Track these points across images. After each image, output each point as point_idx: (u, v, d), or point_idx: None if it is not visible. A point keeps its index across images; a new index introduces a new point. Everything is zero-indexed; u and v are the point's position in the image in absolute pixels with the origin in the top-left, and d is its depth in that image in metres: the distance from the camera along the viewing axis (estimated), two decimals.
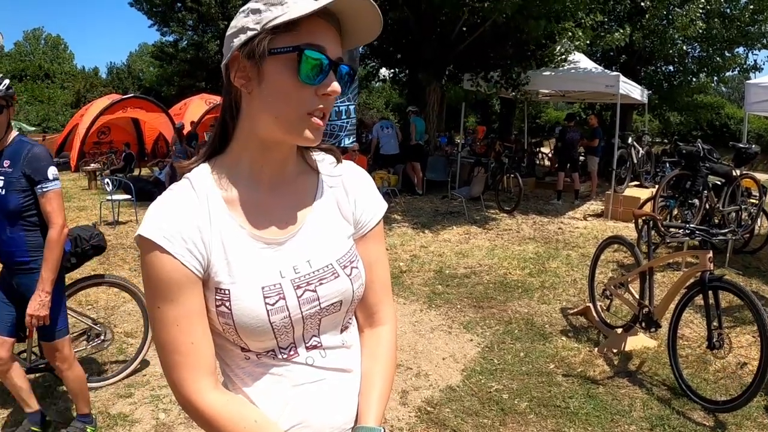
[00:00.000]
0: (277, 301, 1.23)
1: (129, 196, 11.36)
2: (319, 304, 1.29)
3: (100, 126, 20.13)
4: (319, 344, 1.33)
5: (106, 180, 11.60)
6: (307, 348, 1.31)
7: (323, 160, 1.44)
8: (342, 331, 1.39)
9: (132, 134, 21.84)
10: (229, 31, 1.24)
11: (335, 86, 1.20)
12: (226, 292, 1.21)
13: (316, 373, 1.31)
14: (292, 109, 1.19)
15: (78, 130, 19.85)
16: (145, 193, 12.24)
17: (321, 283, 1.29)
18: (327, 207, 1.38)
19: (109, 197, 11.12)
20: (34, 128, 28.43)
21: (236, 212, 1.27)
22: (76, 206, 12.94)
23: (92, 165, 17.04)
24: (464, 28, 13.63)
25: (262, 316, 1.21)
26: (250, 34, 1.18)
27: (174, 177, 12.92)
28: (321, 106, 1.21)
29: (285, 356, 1.29)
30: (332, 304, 1.31)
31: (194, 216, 1.21)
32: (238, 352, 1.29)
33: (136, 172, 17.47)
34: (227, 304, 1.21)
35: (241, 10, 1.23)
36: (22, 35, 55.17)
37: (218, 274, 1.22)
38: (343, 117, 7.83)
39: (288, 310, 1.24)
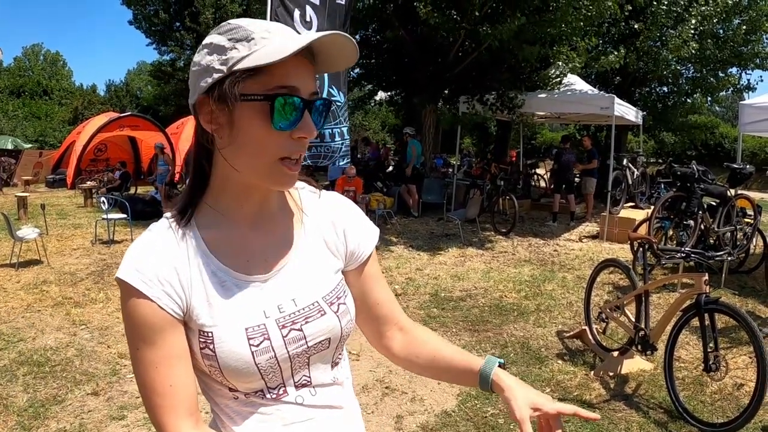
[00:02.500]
0: (261, 342, 1.20)
1: (124, 216, 11.38)
2: (306, 343, 1.25)
3: (97, 143, 20.20)
4: (309, 382, 1.30)
5: (102, 199, 11.62)
6: (296, 387, 1.28)
7: (304, 188, 1.40)
8: (333, 367, 1.35)
9: (129, 152, 21.90)
10: (193, 67, 1.17)
11: (310, 128, 1.15)
12: (209, 334, 1.18)
13: (306, 413, 1.28)
14: (266, 157, 1.15)
15: (75, 147, 19.93)
16: (141, 212, 12.41)
17: (307, 322, 1.25)
18: (312, 242, 1.34)
19: (104, 216, 11.12)
20: (30, 144, 28.48)
21: (217, 252, 1.23)
22: (71, 224, 12.96)
23: (88, 183, 17.08)
24: (460, 52, 13.72)
25: (247, 357, 1.18)
26: (216, 76, 1.11)
27: (170, 196, 12.96)
28: (297, 148, 1.16)
29: (274, 396, 1.25)
30: (320, 342, 1.28)
31: (172, 257, 1.19)
32: (226, 392, 1.26)
33: (132, 191, 17.46)
34: (211, 346, 1.18)
35: (203, 43, 1.17)
36: (21, 51, 55.18)
37: (200, 316, 1.19)
38: (336, 138, 7.86)
39: (273, 350, 1.21)
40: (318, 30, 7.46)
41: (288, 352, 1.23)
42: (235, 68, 1.10)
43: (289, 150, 1.15)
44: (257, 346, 1.19)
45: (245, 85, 1.10)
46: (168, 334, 1.17)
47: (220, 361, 1.18)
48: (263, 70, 1.09)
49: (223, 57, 1.11)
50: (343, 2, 7.79)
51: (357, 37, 7.96)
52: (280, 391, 1.26)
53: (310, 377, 1.30)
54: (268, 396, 1.25)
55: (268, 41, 1.10)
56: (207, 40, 1.16)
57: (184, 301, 1.18)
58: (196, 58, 1.17)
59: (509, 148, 22.55)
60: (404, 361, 1.49)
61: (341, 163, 8.32)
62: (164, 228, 1.23)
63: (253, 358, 1.19)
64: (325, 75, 7.67)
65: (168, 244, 1.20)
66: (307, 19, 7.42)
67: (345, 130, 8.09)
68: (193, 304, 1.19)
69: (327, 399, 1.32)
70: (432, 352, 1.44)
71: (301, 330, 1.25)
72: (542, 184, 20.11)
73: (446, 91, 15.33)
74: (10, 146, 25.14)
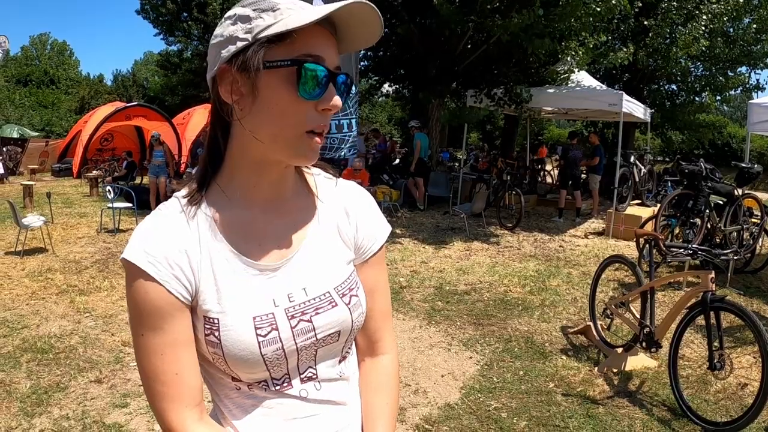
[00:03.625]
0: (269, 332, 1.16)
1: (130, 205, 11.40)
2: (315, 335, 1.21)
3: (104, 133, 20.19)
4: (315, 376, 1.25)
5: (108, 188, 11.64)
6: (301, 380, 1.24)
7: (320, 175, 1.36)
8: (340, 361, 1.31)
9: (135, 142, 21.90)
10: (213, 40, 1.14)
11: (336, 100, 1.11)
12: (215, 321, 1.14)
13: (310, 408, 1.25)
14: (291, 128, 1.10)
15: (81, 137, 19.95)
16: (146, 202, 12.61)
17: (317, 313, 1.21)
18: (325, 230, 1.29)
19: (110, 205, 11.16)
20: (37, 133, 28.53)
21: (228, 236, 1.19)
22: (77, 212, 12.99)
23: (94, 172, 17.10)
24: (469, 44, 13.67)
25: (253, 348, 1.14)
26: (240, 45, 1.08)
27: (170, 193, 12.96)
28: (323, 121, 1.13)
29: (277, 387, 1.22)
30: (329, 335, 1.23)
31: (182, 240, 1.15)
32: (228, 382, 1.22)
33: (137, 180, 17.48)
34: (216, 334, 1.14)
35: (226, 15, 1.13)
36: (28, 40, 55.24)
37: (207, 302, 1.15)
38: (345, 130, 7.82)
39: (281, 341, 1.17)
40: None
41: (296, 343, 1.19)
42: (261, 35, 1.07)
43: (314, 122, 1.11)
44: (264, 336, 1.15)
45: (270, 52, 1.07)
46: (175, 319, 1.13)
47: (225, 349, 1.14)
48: (289, 39, 1.06)
49: (248, 26, 1.08)
50: None
51: None
52: (284, 384, 1.22)
53: (316, 371, 1.26)
54: (271, 388, 1.22)
55: (293, 11, 1.07)
56: (230, 12, 1.13)
57: (192, 285, 1.15)
58: (218, 30, 1.14)
59: (541, 146, 22.55)
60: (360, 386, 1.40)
61: (348, 154, 8.29)
62: (175, 209, 1.19)
63: (260, 349, 1.15)
64: None
65: (179, 226, 1.16)
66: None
67: (354, 121, 8.06)
68: (201, 289, 1.15)
69: (331, 394, 1.28)
70: (368, 402, 1.37)
71: (310, 321, 1.20)
72: (549, 179, 20.09)
73: (454, 85, 15.29)
74: (16, 135, 25.17)
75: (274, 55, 1.07)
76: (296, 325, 1.19)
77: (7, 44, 24.02)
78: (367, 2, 1.06)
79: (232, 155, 1.19)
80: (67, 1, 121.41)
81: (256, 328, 1.15)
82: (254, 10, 1.08)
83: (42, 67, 48.63)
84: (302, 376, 1.24)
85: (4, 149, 21.01)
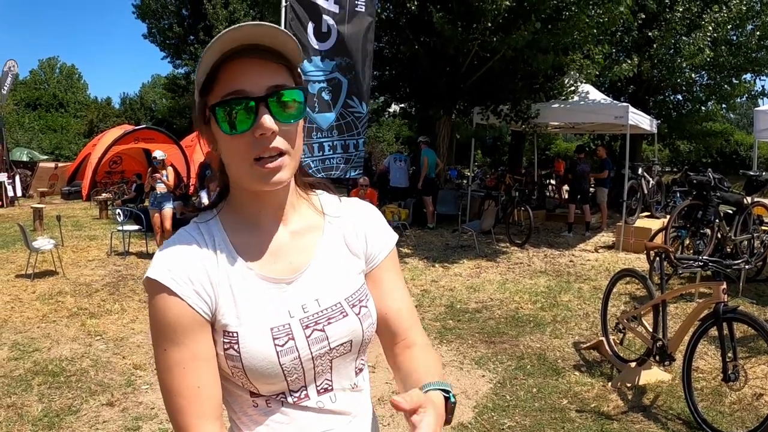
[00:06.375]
0: (286, 342, 1.21)
1: (140, 227, 11.44)
2: (329, 344, 1.26)
3: (113, 156, 20.33)
4: (330, 387, 1.30)
5: (118, 210, 11.69)
6: (318, 391, 1.28)
7: (323, 194, 1.43)
8: (356, 373, 1.36)
9: (143, 165, 21.94)
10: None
11: (265, 123, 1.13)
12: (234, 334, 1.19)
13: (325, 422, 1.28)
14: (241, 161, 1.18)
15: (90, 160, 20.09)
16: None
17: (329, 323, 1.27)
18: (334, 245, 1.36)
19: (119, 227, 11.19)
20: (46, 156, 28.72)
21: (243, 254, 1.26)
22: (86, 235, 13.05)
23: (104, 194, 17.20)
24: (475, 61, 13.69)
25: (272, 357, 1.19)
26: (197, 103, 1.21)
27: (185, 204, 12.92)
28: (265, 146, 1.16)
29: (295, 399, 1.26)
30: (342, 344, 1.28)
31: (202, 258, 1.21)
32: (246, 398, 1.26)
33: (146, 203, 17.53)
34: (236, 347, 1.19)
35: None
36: (37, 64, 55.69)
37: (226, 316, 1.20)
38: (351, 150, 7.81)
39: (297, 350, 1.22)
40: (336, 41, 7.51)
41: (311, 352, 1.24)
42: (199, 89, 1.20)
43: (257, 150, 1.16)
44: (282, 346, 1.20)
45: (209, 100, 1.19)
46: (197, 334, 1.18)
47: (245, 361, 1.18)
48: (213, 84, 1.17)
49: (198, 86, 1.21)
50: (363, 9, 7.74)
51: (369, 49, 7.90)
52: (302, 395, 1.26)
53: (331, 381, 1.30)
54: (288, 400, 1.25)
55: (204, 56, 1.14)
56: None
57: (212, 300, 1.20)
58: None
59: (556, 159, 22.50)
60: (399, 378, 1.41)
61: (353, 174, 8.28)
62: (193, 231, 1.27)
63: (278, 359, 1.19)
64: (344, 86, 7.66)
65: (197, 246, 1.23)
66: (324, 29, 7.40)
67: (361, 141, 8.06)
68: (220, 304, 1.20)
69: (347, 405, 1.32)
70: (410, 369, 1.36)
71: (323, 330, 1.26)
72: (557, 194, 20.05)
73: (459, 102, 15.30)
74: (25, 158, 25.36)
75: (211, 101, 1.18)
76: (311, 335, 1.24)
77: (17, 68, 24.25)
78: (249, 23, 1.11)
79: (232, 185, 1.30)
80: (76, 26, 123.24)
81: (274, 339, 1.20)
82: (196, 68, 1.21)
83: (51, 90, 49.06)
84: (318, 387, 1.28)
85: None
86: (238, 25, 1.11)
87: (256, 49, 1.16)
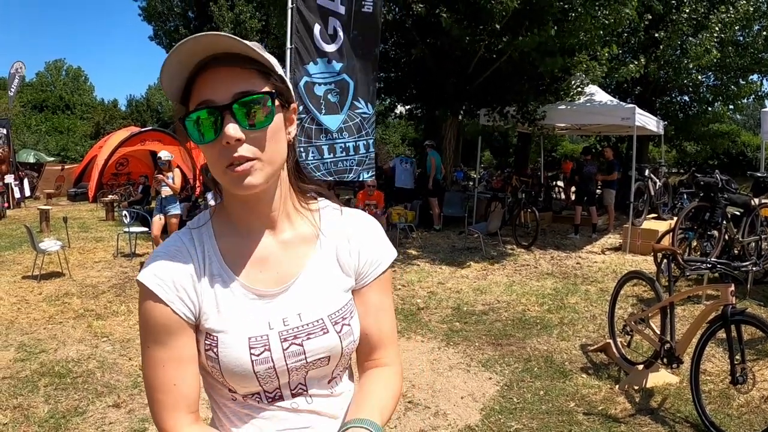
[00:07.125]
0: (261, 352, 1.25)
1: (146, 229, 11.50)
2: (306, 358, 1.29)
3: (119, 158, 20.39)
4: (305, 391, 1.34)
5: (124, 212, 11.73)
6: (292, 394, 1.32)
7: (326, 207, 1.43)
8: (330, 381, 1.38)
9: (150, 166, 22.02)
10: None
11: (230, 132, 1.14)
12: (215, 338, 1.25)
13: (302, 419, 1.32)
14: (215, 168, 1.20)
15: (97, 161, 20.17)
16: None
17: (309, 338, 1.29)
18: (325, 260, 1.37)
19: (126, 229, 11.24)
20: (53, 158, 28.81)
21: (232, 263, 1.30)
22: (93, 237, 13.09)
23: (110, 196, 17.24)
24: (481, 64, 13.67)
25: (247, 365, 1.24)
26: (176, 113, 1.24)
27: (193, 209, 12.93)
28: (233, 154, 1.16)
29: (269, 400, 1.31)
30: (319, 359, 1.31)
31: (189, 265, 1.27)
32: (225, 392, 1.32)
33: (153, 204, 17.59)
34: (215, 350, 1.25)
35: None
36: (44, 66, 55.77)
37: (209, 321, 1.26)
38: (362, 151, 7.80)
39: (273, 361, 1.26)
40: (343, 43, 7.52)
41: (287, 365, 1.28)
42: (178, 100, 1.23)
43: (226, 157, 1.17)
44: (257, 356, 1.25)
45: (186, 111, 1.21)
46: (179, 336, 1.25)
47: (222, 364, 1.25)
48: (190, 94, 1.20)
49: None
50: (371, 10, 7.74)
51: (376, 51, 7.91)
52: (276, 396, 1.31)
53: (306, 387, 1.34)
54: (264, 400, 1.31)
55: (169, 67, 1.17)
56: None
57: (196, 306, 1.26)
58: None
59: (563, 160, 22.43)
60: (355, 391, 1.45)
61: (365, 176, 8.27)
62: (185, 236, 1.32)
63: (252, 367, 1.25)
64: (351, 87, 7.66)
65: (187, 252, 1.29)
66: (330, 31, 7.40)
67: (371, 142, 8.05)
68: (204, 310, 1.26)
69: (322, 407, 1.36)
70: (362, 390, 1.38)
71: (301, 345, 1.29)
72: (563, 195, 20.00)
73: (466, 104, 15.28)
74: (32, 160, 25.44)
75: (185, 112, 1.21)
76: (288, 348, 1.28)
77: (23, 70, 24.39)
78: (197, 35, 1.14)
79: (223, 189, 1.31)
80: (82, 28, 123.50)
81: (251, 348, 1.25)
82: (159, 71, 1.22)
83: (57, 92, 49.17)
84: (293, 391, 1.33)
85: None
86: (196, 35, 1.14)
87: (227, 57, 1.17)
